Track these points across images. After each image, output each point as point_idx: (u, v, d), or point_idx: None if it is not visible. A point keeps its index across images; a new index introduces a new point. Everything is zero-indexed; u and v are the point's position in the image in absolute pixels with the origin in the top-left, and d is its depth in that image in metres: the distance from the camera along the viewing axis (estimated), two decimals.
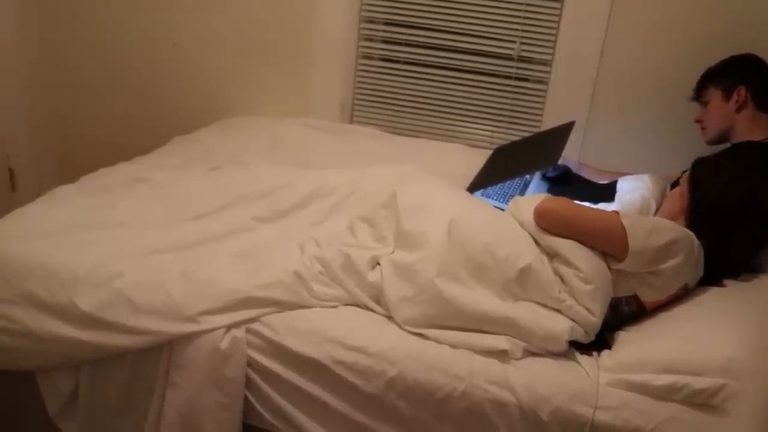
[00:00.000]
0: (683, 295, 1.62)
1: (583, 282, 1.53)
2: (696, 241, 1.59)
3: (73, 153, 3.01)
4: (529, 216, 1.64)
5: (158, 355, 1.53)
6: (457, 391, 1.45)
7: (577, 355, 1.53)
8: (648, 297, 1.59)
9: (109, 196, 1.89)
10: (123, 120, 2.94)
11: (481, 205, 1.80)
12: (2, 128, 2.73)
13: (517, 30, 2.51)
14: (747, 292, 1.64)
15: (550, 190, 2.21)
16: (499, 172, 2.18)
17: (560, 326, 1.51)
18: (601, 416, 1.40)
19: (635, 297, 1.60)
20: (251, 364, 1.52)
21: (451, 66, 2.62)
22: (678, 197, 1.80)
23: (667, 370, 1.41)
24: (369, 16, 2.64)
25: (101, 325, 1.52)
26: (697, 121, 2.08)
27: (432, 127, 2.71)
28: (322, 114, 2.72)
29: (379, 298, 1.61)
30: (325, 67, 2.68)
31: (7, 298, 1.56)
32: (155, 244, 1.69)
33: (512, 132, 2.64)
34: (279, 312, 1.56)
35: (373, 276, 1.62)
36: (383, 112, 2.74)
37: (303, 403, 1.53)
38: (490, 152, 2.44)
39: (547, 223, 1.61)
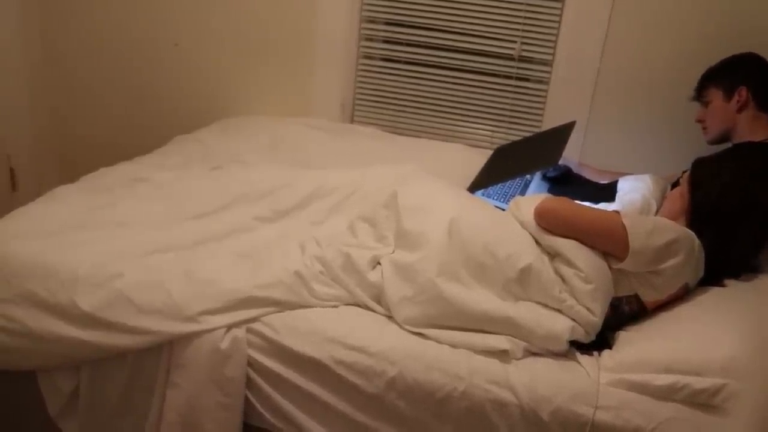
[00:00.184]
0: (684, 294, 1.62)
1: (584, 282, 1.52)
2: (696, 241, 1.59)
3: (73, 153, 3.01)
4: (529, 216, 1.63)
5: (158, 355, 1.53)
6: (457, 391, 1.45)
7: (578, 355, 1.53)
8: (649, 296, 1.59)
9: (110, 195, 1.90)
10: (123, 120, 2.95)
11: (482, 205, 1.79)
12: (3, 128, 2.73)
13: (517, 30, 2.51)
14: (747, 292, 1.64)
15: (550, 190, 2.21)
16: (499, 172, 2.18)
17: (561, 326, 1.51)
18: (602, 416, 1.40)
19: (636, 297, 1.59)
20: (252, 363, 1.52)
21: (451, 66, 2.62)
22: (678, 197, 1.80)
23: (668, 370, 1.41)
24: (370, 16, 2.64)
25: (102, 324, 1.52)
26: (699, 121, 2.07)
27: (433, 127, 2.71)
28: (323, 114, 2.72)
29: (379, 298, 1.61)
30: (326, 67, 2.68)
31: (8, 297, 1.56)
32: (155, 243, 1.69)
33: (513, 132, 2.64)
34: (279, 312, 1.56)
35: (373, 276, 1.62)
36: (384, 112, 2.74)
37: (303, 403, 1.53)
38: (490, 152, 2.44)
39: (547, 222, 1.61)
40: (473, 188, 2.11)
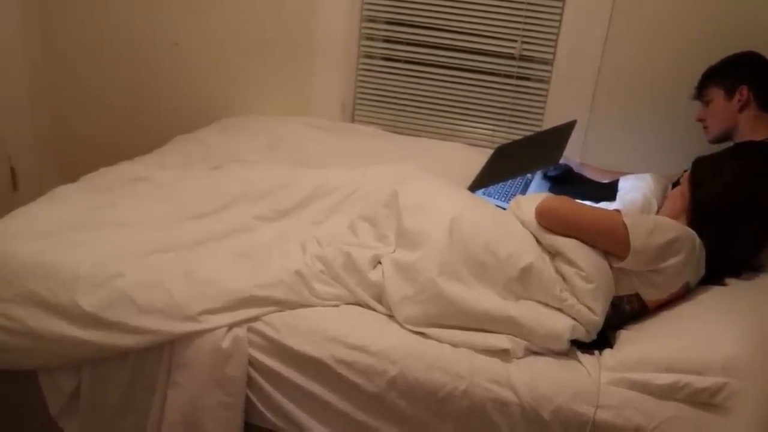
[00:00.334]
0: (685, 293, 1.62)
1: (585, 281, 1.52)
2: (697, 240, 1.59)
3: (73, 153, 3.01)
4: (530, 215, 1.63)
5: (160, 355, 1.54)
6: (458, 390, 1.45)
7: (579, 354, 1.53)
8: (650, 296, 1.59)
9: (110, 195, 1.90)
10: (124, 120, 2.95)
11: (482, 204, 1.79)
12: (3, 128, 2.73)
13: (518, 29, 2.51)
14: (748, 291, 1.64)
15: (551, 189, 2.21)
16: (500, 171, 2.18)
17: (562, 325, 1.51)
18: (603, 415, 1.40)
19: (637, 296, 1.59)
20: (253, 363, 1.53)
21: (452, 65, 2.62)
22: (679, 196, 1.80)
23: (669, 369, 1.41)
24: (370, 15, 2.64)
25: (103, 324, 1.52)
26: (699, 120, 2.07)
27: (433, 126, 2.71)
28: (323, 113, 2.72)
29: (380, 297, 1.61)
30: (326, 67, 2.68)
31: (9, 297, 1.56)
32: (156, 243, 1.69)
33: (513, 131, 2.64)
34: (280, 311, 1.56)
35: (374, 275, 1.62)
36: (384, 111, 2.74)
37: (304, 402, 1.53)
38: (491, 151, 2.44)
39: (548, 222, 1.61)
40: (474, 187, 2.11)
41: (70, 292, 1.53)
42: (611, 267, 1.57)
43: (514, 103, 2.61)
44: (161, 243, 1.69)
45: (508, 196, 2.12)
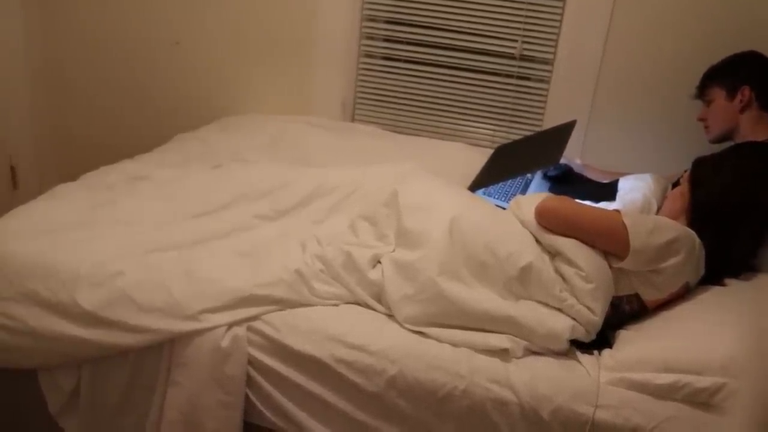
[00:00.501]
0: (684, 293, 1.62)
1: (584, 281, 1.53)
2: (697, 240, 1.59)
3: (74, 151, 3.01)
4: (530, 215, 1.64)
5: (159, 354, 1.54)
6: (458, 390, 1.45)
7: (578, 353, 1.53)
8: (649, 296, 1.59)
9: (110, 194, 1.90)
10: (124, 119, 2.95)
11: (482, 203, 1.80)
12: (4, 127, 2.73)
13: (519, 29, 2.51)
14: (747, 291, 1.64)
15: (551, 189, 2.21)
16: (500, 171, 2.18)
17: (561, 325, 1.51)
18: (602, 415, 1.40)
19: (636, 296, 1.60)
20: (252, 362, 1.53)
21: (452, 65, 2.62)
22: (678, 196, 1.80)
23: (668, 369, 1.41)
24: (370, 15, 2.64)
25: (103, 323, 1.52)
26: (700, 120, 2.07)
27: (433, 126, 2.71)
28: (324, 112, 2.72)
29: (380, 297, 1.61)
30: (327, 66, 2.68)
31: (9, 296, 1.56)
32: (156, 242, 1.69)
33: (513, 131, 2.64)
34: (280, 310, 1.56)
35: (374, 274, 1.62)
36: (385, 110, 2.74)
37: (304, 402, 1.53)
38: (491, 151, 2.44)
39: (548, 221, 1.61)
40: (474, 187, 2.11)
41: (70, 290, 1.53)
42: (611, 267, 1.57)
43: (515, 103, 2.61)
44: (161, 242, 1.69)
45: (508, 195, 2.12)
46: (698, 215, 1.71)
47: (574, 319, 1.52)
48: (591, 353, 1.54)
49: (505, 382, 1.44)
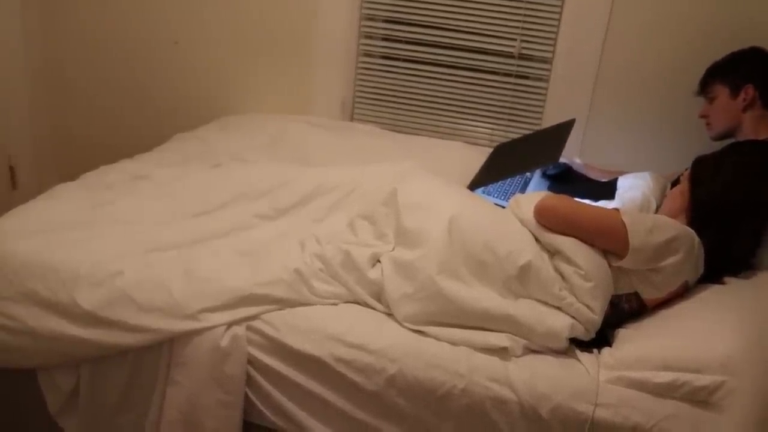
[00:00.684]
0: (683, 292, 1.62)
1: (584, 279, 1.53)
2: (696, 239, 1.59)
3: (73, 151, 3.01)
4: (529, 214, 1.64)
5: (159, 353, 1.54)
6: (457, 389, 1.45)
7: (578, 352, 1.53)
8: (648, 294, 1.59)
9: (110, 193, 1.90)
10: (123, 118, 2.95)
11: (481, 202, 1.80)
12: (3, 126, 2.73)
13: (517, 27, 2.51)
14: (746, 289, 1.64)
15: (550, 188, 2.22)
16: (499, 169, 2.18)
17: (560, 323, 1.51)
18: (602, 413, 1.40)
19: (636, 294, 1.60)
20: (252, 361, 1.53)
21: (451, 63, 2.62)
22: (678, 195, 1.80)
23: (667, 368, 1.41)
24: (369, 14, 2.64)
25: (102, 323, 1.52)
26: (702, 117, 2.05)
27: (432, 125, 2.71)
28: (323, 112, 2.72)
29: (379, 296, 1.61)
30: (326, 65, 2.68)
31: (8, 296, 1.56)
32: (156, 241, 1.69)
33: (512, 130, 2.64)
34: (279, 309, 1.56)
35: (373, 273, 1.62)
36: (383, 109, 2.74)
37: (303, 401, 1.53)
38: (490, 150, 2.44)
39: (547, 220, 1.61)
40: (473, 186, 2.11)
41: (70, 290, 1.53)
42: (610, 266, 1.57)
43: (513, 102, 2.61)
44: (161, 241, 1.69)
45: (508, 194, 2.12)
46: (698, 214, 1.71)
47: (573, 317, 1.52)
48: (590, 352, 1.54)
49: (505, 381, 1.45)
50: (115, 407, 1.59)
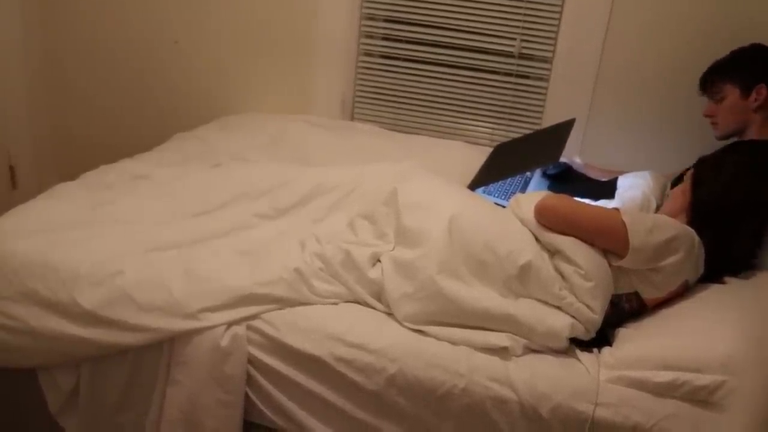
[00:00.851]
0: (684, 291, 1.62)
1: (584, 279, 1.53)
2: (696, 238, 1.59)
3: (73, 150, 3.01)
4: (529, 213, 1.64)
5: (159, 352, 1.54)
6: (457, 388, 1.45)
7: (578, 352, 1.53)
8: (649, 294, 1.59)
9: (110, 193, 1.90)
10: (123, 118, 2.94)
11: (481, 202, 1.80)
12: (3, 126, 2.73)
13: (517, 27, 2.51)
14: (747, 289, 1.64)
15: (550, 188, 2.22)
16: (500, 169, 2.18)
17: (561, 323, 1.51)
18: (602, 413, 1.40)
19: (636, 294, 1.60)
20: (252, 361, 1.53)
21: (451, 63, 2.62)
22: (680, 195, 1.80)
23: (668, 367, 1.41)
24: (369, 13, 2.64)
25: (103, 322, 1.52)
26: (708, 116, 2.01)
27: (432, 125, 2.71)
28: (323, 111, 2.72)
29: (379, 295, 1.61)
30: (326, 65, 2.68)
31: (8, 295, 1.56)
32: (156, 241, 1.69)
33: (513, 129, 2.64)
34: (280, 309, 1.56)
35: (373, 273, 1.62)
36: (384, 109, 2.74)
37: (304, 400, 1.53)
38: (490, 149, 2.44)
39: (547, 220, 1.61)
40: (473, 186, 2.11)
41: (70, 290, 1.53)
42: (610, 265, 1.57)
43: (514, 101, 2.61)
44: (161, 241, 1.69)
45: (508, 194, 2.12)
46: (699, 213, 1.71)
47: (573, 317, 1.52)
48: (590, 351, 1.54)
49: (505, 381, 1.45)
50: (115, 407, 1.59)
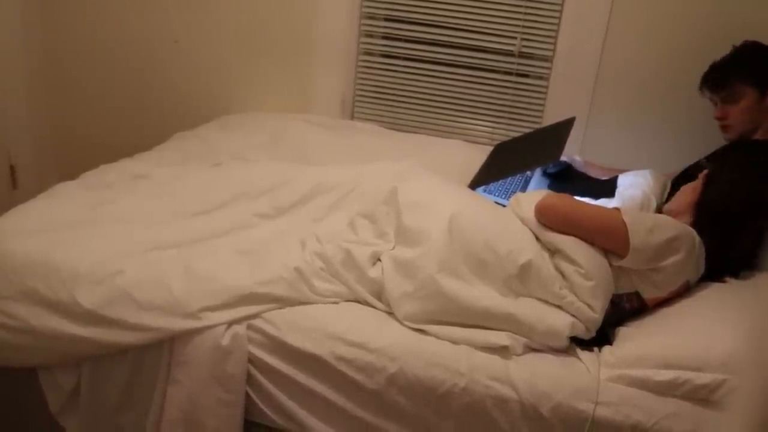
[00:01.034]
0: (684, 291, 1.62)
1: (584, 278, 1.53)
2: (697, 238, 1.59)
3: (73, 150, 3.01)
4: (530, 212, 1.64)
5: (159, 352, 1.54)
6: (458, 387, 1.45)
7: (578, 350, 1.53)
8: (649, 294, 1.59)
9: (110, 192, 1.90)
10: (123, 117, 2.94)
11: (481, 201, 1.79)
12: (3, 125, 2.73)
13: (517, 26, 2.50)
14: (747, 288, 1.64)
15: (550, 187, 2.21)
16: (500, 168, 2.18)
17: (561, 322, 1.51)
18: (602, 412, 1.40)
19: (636, 294, 1.59)
20: (252, 360, 1.53)
21: (451, 62, 2.62)
22: (690, 192, 1.75)
23: (668, 366, 1.41)
24: (369, 13, 2.64)
25: (103, 321, 1.52)
26: (720, 119, 1.97)
27: (433, 123, 2.71)
28: (323, 110, 2.72)
29: (379, 294, 1.61)
30: (326, 64, 2.68)
31: (9, 295, 1.56)
32: (156, 240, 1.69)
33: (513, 128, 2.64)
34: (280, 308, 1.56)
35: (373, 272, 1.62)
36: (384, 108, 2.74)
37: (304, 400, 1.53)
38: (490, 148, 2.44)
39: (547, 219, 1.61)
40: (474, 185, 2.11)
41: (70, 289, 1.53)
42: (611, 265, 1.57)
43: (514, 100, 2.60)
44: (161, 240, 1.69)
45: (508, 193, 2.12)
46: (706, 212, 1.68)
47: (573, 316, 1.52)
48: (591, 350, 1.54)
49: (505, 380, 1.44)
50: (116, 406, 1.59)
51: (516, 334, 1.51)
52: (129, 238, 1.68)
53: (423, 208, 1.68)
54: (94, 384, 1.59)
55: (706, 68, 2.05)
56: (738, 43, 2.03)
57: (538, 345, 1.52)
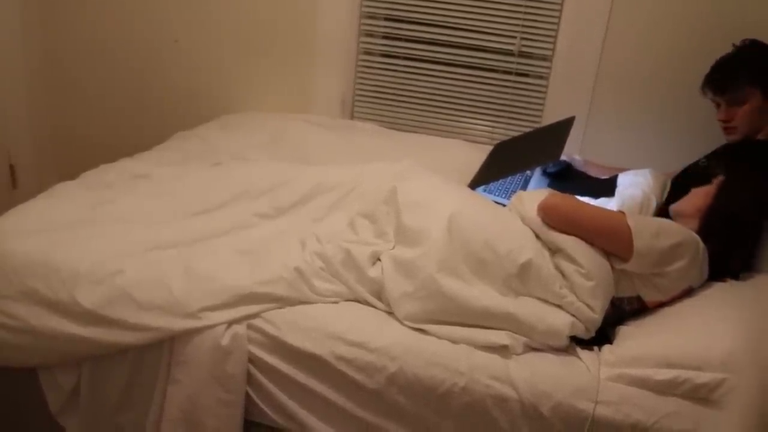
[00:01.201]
0: (685, 295, 1.61)
1: (584, 278, 1.52)
2: (701, 245, 1.58)
3: (73, 150, 3.01)
4: (532, 211, 1.64)
5: (159, 352, 1.54)
6: (458, 387, 1.45)
7: (578, 350, 1.53)
8: (651, 297, 1.59)
9: (110, 192, 1.90)
10: (123, 117, 2.94)
11: (481, 200, 1.79)
12: (3, 125, 2.73)
13: (517, 25, 2.50)
14: (747, 287, 1.64)
15: (550, 186, 2.21)
16: (500, 168, 2.18)
17: (561, 321, 1.51)
18: (602, 411, 1.40)
19: (638, 297, 1.59)
20: (252, 360, 1.53)
21: (451, 62, 2.62)
22: (703, 196, 1.73)
23: (668, 365, 1.41)
24: (369, 12, 2.64)
25: (103, 321, 1.52)
26: (724, 121, 1.95)
27: (432, 123, 2.71)
28: (323, 110, 2.72)
29: (379, 294, 1.61)
30: (326, 64, 2.68)
31: (8, 294, 1.56)
32: (156, 240, 1.69)
33: (512, 127, 2.64)
34: (280, 308, 1.56)
35: (373, 272, 1.62)
36: (384, 107, 2.74)
37: (304, 399, 1.53)
38: (490, 148, 2.44)
39: (551, 219, 1.61)
40: (474, 185, 2.11)
41: (70, 289, 1.53)
42: (613, 268, 1.56)
43: (514, 100, 2.60)
44: (161, 240, 1.69)
45: (508, 192, 2.12)
46: (717, 218, 1.66)
47: (573, 315, 1.52)
48: (591, 349, 1.54)
49: (505, 379, 1.44)
50: (115, 406, 1.59)
51: (516, 333, 1.51)
52: (129, 238, 1.68)
53: (423, 208, 1.68)
54: (94, 384, 1.59)
55: (706, 68, 2.03)
56: (738, 42, 2.02)
57: (538, 344, 1.52)
